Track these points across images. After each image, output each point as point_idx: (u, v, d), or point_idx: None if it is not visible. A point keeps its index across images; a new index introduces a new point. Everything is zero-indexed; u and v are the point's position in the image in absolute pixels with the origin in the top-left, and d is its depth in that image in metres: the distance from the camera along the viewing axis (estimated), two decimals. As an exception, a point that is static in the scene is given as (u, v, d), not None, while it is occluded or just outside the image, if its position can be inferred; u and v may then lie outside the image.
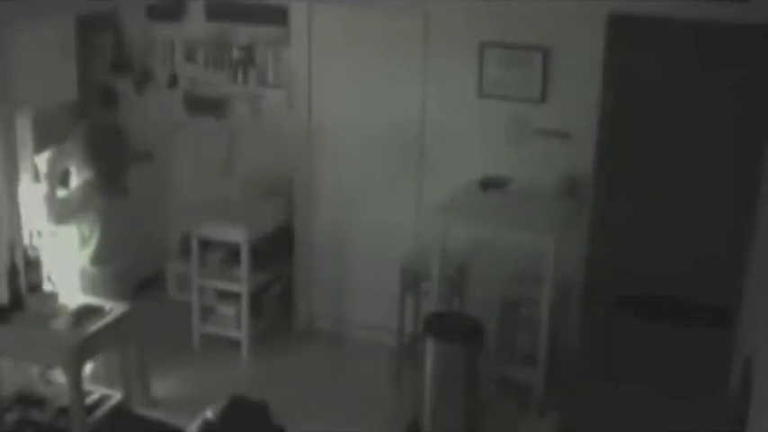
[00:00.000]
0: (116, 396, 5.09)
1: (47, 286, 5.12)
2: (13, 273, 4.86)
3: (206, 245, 6.16)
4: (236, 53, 6.44)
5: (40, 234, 5.22)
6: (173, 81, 6.68)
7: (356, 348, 6.30)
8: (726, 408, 5.38)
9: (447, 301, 5.71)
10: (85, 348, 4.70)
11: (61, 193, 5.19)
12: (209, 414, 4.71)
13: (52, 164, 5.16)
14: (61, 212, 5.09)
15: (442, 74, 5.88)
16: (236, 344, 6.15)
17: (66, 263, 5.25)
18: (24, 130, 5.38)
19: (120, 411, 5.05)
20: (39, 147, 5.37)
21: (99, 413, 4.94)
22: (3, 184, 5.12)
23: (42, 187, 5.17)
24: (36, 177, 5.36)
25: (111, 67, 6.75)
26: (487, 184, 5.75)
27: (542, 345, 5.39)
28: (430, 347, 5.11)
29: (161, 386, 5.67)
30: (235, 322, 6.18)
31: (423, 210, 6.00)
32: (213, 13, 6.49)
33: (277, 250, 6.43)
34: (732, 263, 5.87)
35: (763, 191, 5.43)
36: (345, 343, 6.41)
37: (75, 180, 5.20)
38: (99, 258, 5.19)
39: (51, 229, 5.21)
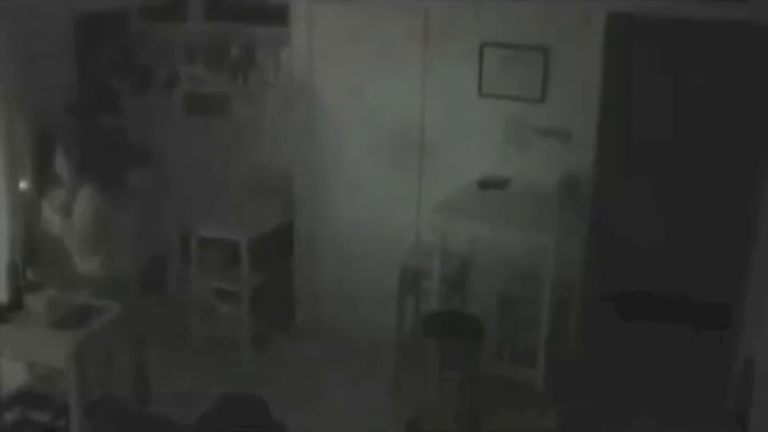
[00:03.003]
0: (116, 396, 5.08)
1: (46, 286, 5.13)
2: (13, 273, 4.86)
3: (206, 245, 6.15)
4: (236, 53, 6.43)
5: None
6: (173, 81, 6.68)
7: (356, 348, 6.30)
8: (727, 408, 5.38)
9: (447, 301, 5.71)
10: (85, 348, 4.69)
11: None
12: (209, 414, 4.72)
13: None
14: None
15: (442, 74, 5.88)
16: (236, 344, 6.15)
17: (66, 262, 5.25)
18: (24, 131, 5.39)
19: (120, 411, 5.04)
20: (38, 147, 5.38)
21: (99, 413, 4.93)
22: (3, 184, 5.12)
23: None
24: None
25: (111, 67, 6.74)
26: (487, 184, 5.75)
27: (542, 345, 5.40)
28: (430, 347, 5.11)
29: (161, 386, 5.67)
30: (235, 322, 6.18)
31: (423, 209, 6.00)
32: (213, 13, 6.49)
33: (277, 250, 6.43)
34: (733, 263, 5.88)
35: (763, 189, 5.42)
36: (345, 343, 6.40)
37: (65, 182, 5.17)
38: (101, 260, 5.19)
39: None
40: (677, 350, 6.35)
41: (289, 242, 6.51)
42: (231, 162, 6.67)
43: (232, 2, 6.39)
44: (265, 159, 6.55)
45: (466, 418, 5.14)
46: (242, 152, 6.65)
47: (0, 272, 5.02)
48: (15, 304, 4.84)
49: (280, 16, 6.28)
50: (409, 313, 5.97)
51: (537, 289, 5.35)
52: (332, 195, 6.37)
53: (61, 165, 5.17)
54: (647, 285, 6.78)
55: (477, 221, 5.53)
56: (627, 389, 5.88)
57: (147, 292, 6.43)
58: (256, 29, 6.37)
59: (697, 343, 6.36)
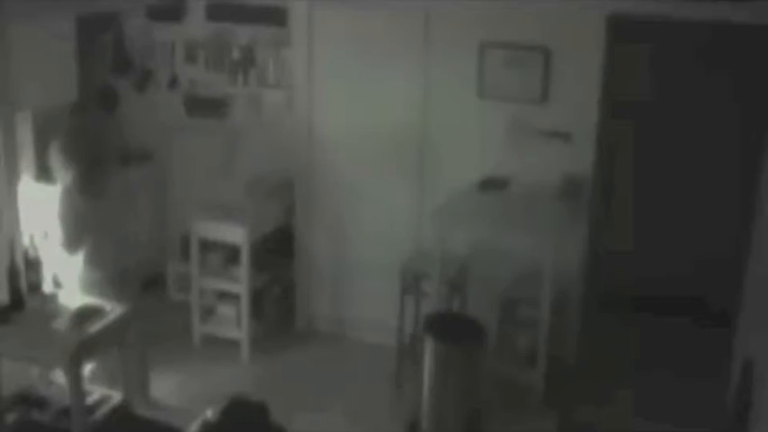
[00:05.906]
0: (116, 396, 5.08)
1: (47, 287, 5.13)
2: (13, 273, 4.86)
3: (206, 245, 6.15)
4: (236, 54, 6.44)
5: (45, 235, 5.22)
6: (173, 81, 6.68)
7: (356, 349, 6.30)
8: (725, 409, 5.38)
9: (447, 302, 5.71)
10: (85, 348, 4.69)
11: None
12: (209, 414, 4.71)
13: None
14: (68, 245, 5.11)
15: (442, 74, 5.88)
16: (236, 344, 6.16)
17: (66, 264, 5.24)
18: (24, 131, 5.38)
19: (120, 412, 5.04)
20: (39, 147, 5.38)
21: (99, 414, 4.92)
22: (3, 184, 5.11)
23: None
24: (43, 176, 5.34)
25: (112, 67, 6.75)
26: (487, 185, 5.75)
27: (542, 345, 5.40)
28: (430, 347, 5.10)
29: (161, 386, 5.67)
30: (235, 322, 6.18)
31: (423, 210, 6.00)
32: (213, 14, 6.49)
33: (277, 251, 6.43)
34: (732, 264, 5.87)
35: (763, 192, 5.43)
36: (345, 343, 6.41)
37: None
38: (96, 261, 5.17)
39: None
40: (677, 351, 6.35)
41: (289, 243, 6.51)
42: (231, 163, 6.68)
43: (232, 2, 6.39)
44: (265, 160, 6.55)
45: (466, 418, 5.13)
46: (242, 153, 6.65)
47: (0, 272, 5.01)
48: (16, 304, 4.83)
49: (280, 16, 6.28)
50: (409, 314, 5.97)
51: (537, 289, 5.35)
52: (332, 196, 6.37)
53: (54, 163, 5.15)
54: (647, 286, 6.78)
55: (477, 222, 5.53)
56: (627, 389, 5.87)
57: (147, 292, 6.45)
58: (256, 29, 6.38)
59: (696, 344, 6.36)
